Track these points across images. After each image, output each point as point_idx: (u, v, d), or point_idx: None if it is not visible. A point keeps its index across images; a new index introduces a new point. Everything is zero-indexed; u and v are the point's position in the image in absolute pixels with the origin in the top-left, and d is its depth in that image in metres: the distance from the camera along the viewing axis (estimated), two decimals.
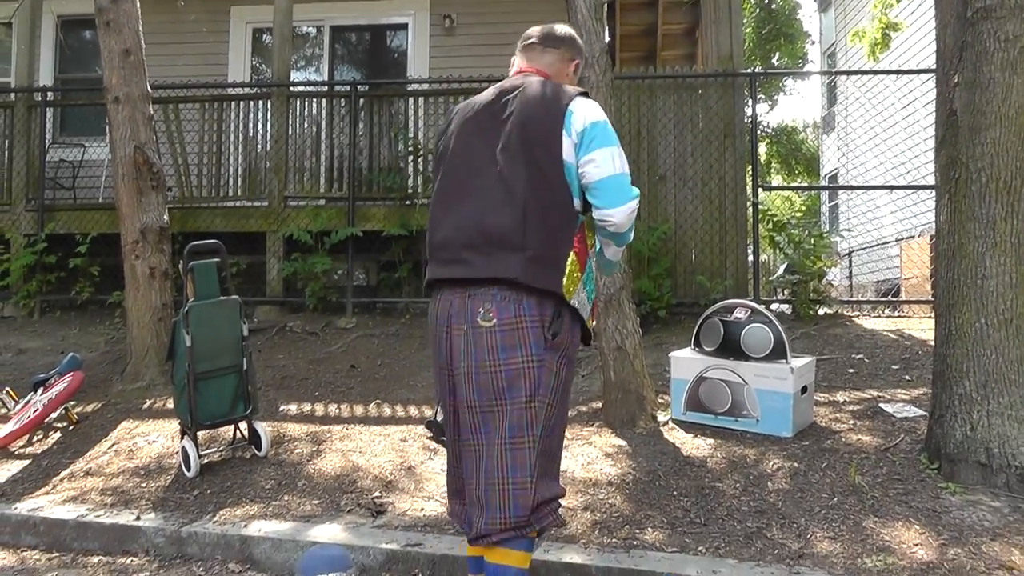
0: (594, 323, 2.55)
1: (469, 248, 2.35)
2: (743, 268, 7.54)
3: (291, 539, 3.56)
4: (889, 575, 2.90)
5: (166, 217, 6.16)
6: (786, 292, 7.67)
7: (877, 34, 10.73)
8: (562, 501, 3.71)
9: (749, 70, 8.19)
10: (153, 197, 6.04)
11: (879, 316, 7.54)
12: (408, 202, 7.91)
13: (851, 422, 4.50)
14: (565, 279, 2.35)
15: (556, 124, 2.36)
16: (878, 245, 13.69)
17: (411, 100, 8.36)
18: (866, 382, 5.27)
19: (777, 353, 4.35)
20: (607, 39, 10.71)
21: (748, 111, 7.88)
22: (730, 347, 4.48)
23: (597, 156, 2.36)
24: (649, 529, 3.37)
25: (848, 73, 16.61)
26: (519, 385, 2.31)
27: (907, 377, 5.35)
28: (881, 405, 4.74)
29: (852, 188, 16.39)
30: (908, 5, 11.56)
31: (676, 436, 4.41)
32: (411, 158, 8.19)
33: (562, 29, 2.75)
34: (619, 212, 2.36)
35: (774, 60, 22.16)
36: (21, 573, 3.56)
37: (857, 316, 7.23)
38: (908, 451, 4.01)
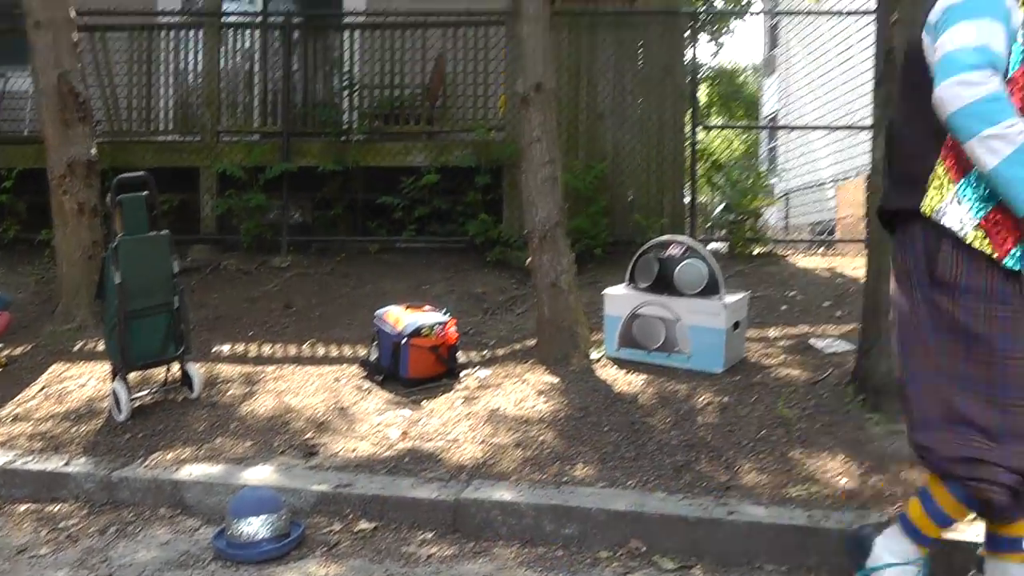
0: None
1: None
2: (680, 207, 7.56)
3: (223, 482, 3.51)
4: (813, 503, 2.96)
5: (94, 150, 5.92)
6: (723, 231, 7.72)
7: None
8: (496, 439, 3.74)
9: (690, 9, 8.09)
10: (80, 129, 5.80)
11: (814, 255, 7.65)
12: (343, 138, 7.72)
13: (782, 357, 4.57)
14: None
15: None
16: (815, 187, 13.87)
17: (347, 33, 8.11)
18: (798, 318, 5.35)
19: (710, 289, 4.36)
20: None
21: (689, 51, 7.83)
22: (664, 283, 4.47)
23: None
24: (580, 465, 3.39)
25: (789, 14, 16.61)
26: None
27: (838, 313, 5.44)
28: (811, 340, 4.82)
29: (789, 128, 16.47)
30: None
31: (609, 373, 4.42)
32: (347, 93, 7.98)
33: None
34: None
35: (717, 2, 22.07)
36: None
37: (792, 255, 7.33)
38: (836, 384, 4.08)
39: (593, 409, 3.95)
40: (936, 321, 2.22)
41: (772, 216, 14.16)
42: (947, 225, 2.16)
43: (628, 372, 4.40)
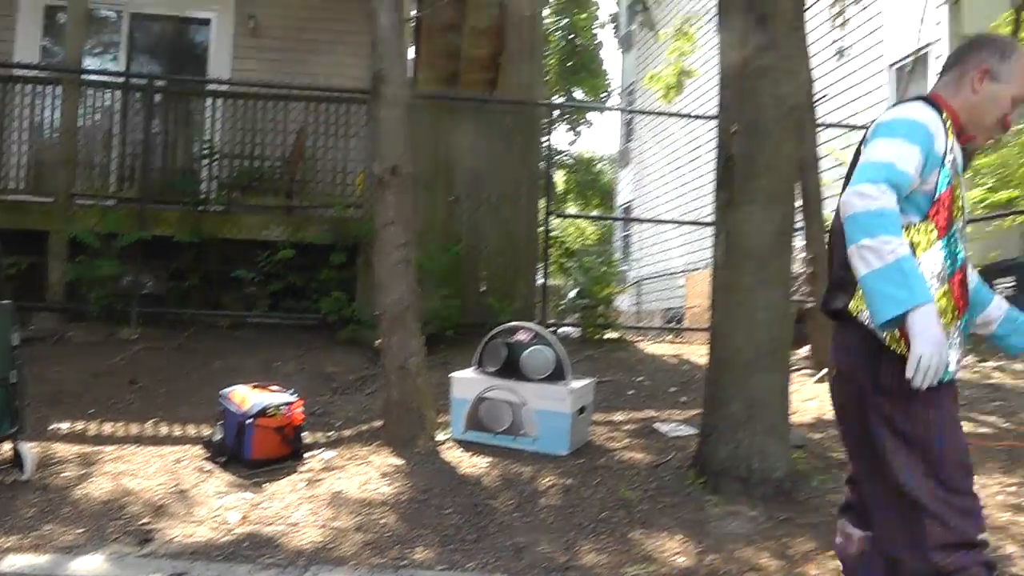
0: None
1: None
2: (533, 291, 7.71)
3: (48, 574, 3.25)
4: None
5: None
6: (575, 316, 7.92)
7: (672, 79, 11.37)
8: (337, 523, 3.65)
9: (547, 101, 8.42)
10: None
11: (662, 342, 7.92)
12: (201, 208, 7.53)
13: (626, 440, 4.67)
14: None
15: None
16: (666, 275, 14.46)
17: (210, 100, 7.99)
18: (644, 403, 5.51)
19: (557, 375, 4.45)
20: (411, 56, 10.71)
21: (546, 139, 8.11)
22: (512, 368, 4.54)
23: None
24: (420, 548, 3.34)
25: (641, 112, 17.49)
26: None
27: (683, 399, 5.63)
28: (656, 425, 4.96)
29: (639, 220, 17.24)
30: (702, 55, 12.33)
31: (454, 455, 4.41)
32: (206, 162, 7.81)
33: (959, 48, 2.54)
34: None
35: (577, 93, 23.07)
36: None
37: (641, 341, 7.58)
38: (678, 467, 4.20)
39: (436, 491, 3.90)
40: (881, 424, 2.27)
41: (625, 302, 14.64)
42: (865, 323, 2.24)
43: (474, 454, 4.39)
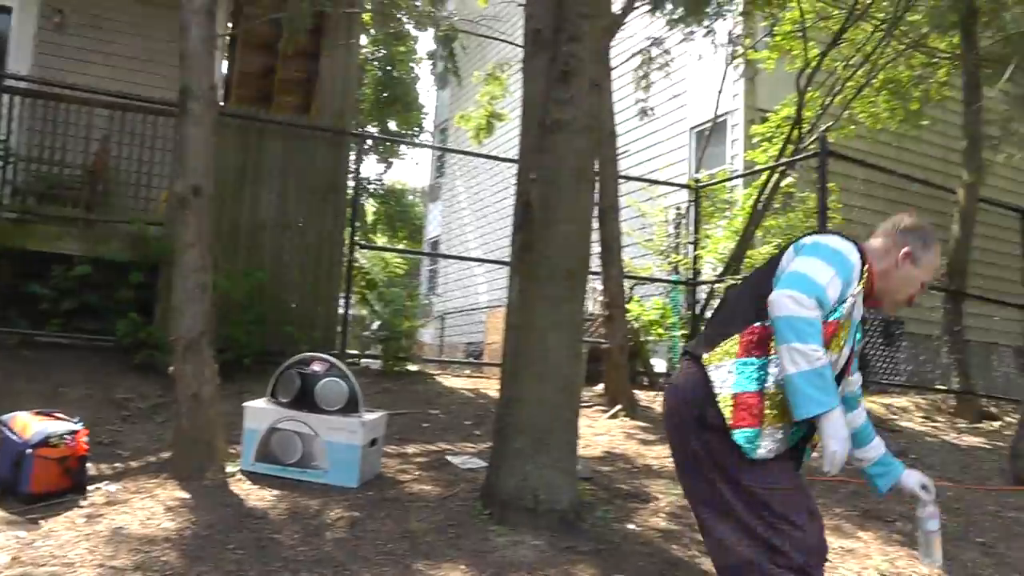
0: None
1: None
2: (334, 321, 7.62)
3: None
4: None
5: None
6: (378, 348, 7.89)
7: (482, 120, 11.65)
8: (115, 562, 3.43)
9: (358, 130, 8.41)
10: None
11: (461, 375, 8.01)
12: None
13: (418, 473, 4.69)
14: None
15: None
16: (469, 310, 14.68)
17: (7, 97, 7.33)
18: (438, 436, 5.55)
19: (351, 407, 4.43)
20: (223, 73, 10.41)
21: (354, 169, 8.08)
22: (305, 399, 4.48)
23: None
24: None
25: (448, 150, 17.76)
26: None
27: (477, 432, 5.72)
28: (448, 457, 5.01)
29: (443, 256, 17.44)
30: (514, 100, 12.74)
31: (243, 488, 4.27)
32: (1, 164, 7.20)
33: (896, 220, 2.79)
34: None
35: (391, 124, 23.13)
36: None
37: (440, 374, 7.63)
38: (466, 499, 4.25)
39: (221, 526, 3.76)
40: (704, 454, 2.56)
41: (428, 335, 14.73)
42: (711, 377, 2.54)
43: (262, 487, 4.28)
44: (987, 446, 7.09)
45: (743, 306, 2.67)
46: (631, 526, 4.15)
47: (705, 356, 2.61)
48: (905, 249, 2.69)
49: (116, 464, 4.67)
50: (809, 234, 2.71)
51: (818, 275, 2.48)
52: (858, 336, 2.77)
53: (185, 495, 4.15)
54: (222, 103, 10.25)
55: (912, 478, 2.95)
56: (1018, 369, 6.85)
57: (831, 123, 10.06)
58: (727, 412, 2.52)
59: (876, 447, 2.94)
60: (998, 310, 10.31)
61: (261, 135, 7.65)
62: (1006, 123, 10.93)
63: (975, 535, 4.61)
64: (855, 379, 2.90)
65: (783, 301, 2.42)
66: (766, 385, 2.53)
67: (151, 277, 6.92)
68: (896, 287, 2.73)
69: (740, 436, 2.52)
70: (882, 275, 2.70)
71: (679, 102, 13.65)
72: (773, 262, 2.72)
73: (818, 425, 2.42)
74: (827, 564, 2.67)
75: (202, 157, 4.77)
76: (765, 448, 2.52)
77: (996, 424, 8.51)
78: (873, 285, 2.69)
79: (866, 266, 2.62)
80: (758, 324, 2.54)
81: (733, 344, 2.60)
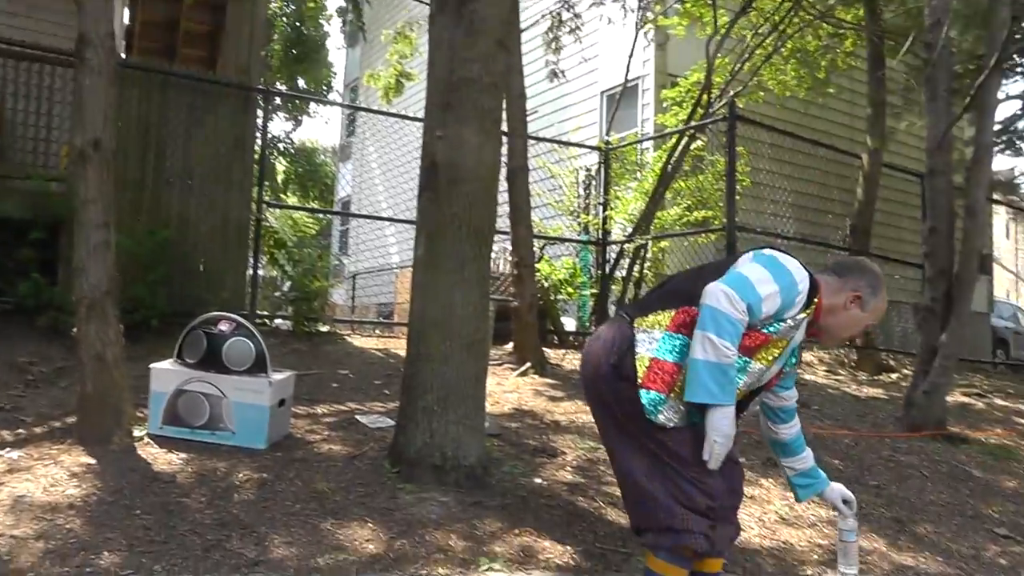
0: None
1: None
2: (242, 281, 7.51)
3: None
4: (339, 570, 3.07)
5: None
6: (289, 309, 7.81)
7: (391, 79, 11.51)
8: (17, 531, 3.34)
9: (264, 86, 8.21)
10: None
11: (370, 336, 8.00)
12: None
13: (327, 433, 4.70)
14: None
15: None
16: (380, 271, 14.60)
17: None
18: (348, 396, 5.56)
19: (258, 367, 4.39)
20: (125, 23, 10.00)
21: (261, 127, 7.91)
22: (213, 360, 4.41)
23: None
24: (106, 553, 3.15)
25: (354, 108, 17.50)
26: None
27: (386, 391, 5.75)
28: (358, 417, 5.03)
29: (352, 215, 17.25)
30: (424, 59, 12.63)
31: (150, 452, 4.21)
32: None
33: (852, 262, 2.96)
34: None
35: (300, 82, 22.63)
36: None
37: (350, 335, 7.61)
38: (375, 458, 4.29)
39: (128, 492, 3.70)
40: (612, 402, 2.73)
41: (341, 296, 14.59)
42: (636, 338, 2.69)
43: (170, 451, 4.22)
44: (884, 397, 7.48)
45: (686, 287, 2.78)
46: (538, 480, 4.26)
47: (637, 319, 2.75)
48: (855, 292, 2.81)
49: (19, 431, 4.52)
50: (773, 248, 2.83)
51: (760, 285, 2.60)
52: (793, 360, 2.92)
53: (91, 461, 4.06)
54: (124, 55, 9.88)
55: (835, 492, 3.17)
56: (916, 325, 7.27)
57: (740, 89, 10.27)
58: (640, 371, 2.65)
59: (805, 459, 3.15)
60: (899, 269, 10.80)
61: (165, 89, 7.40)
62: (907, 93, 11.39)
63: (869, 479, 4.89)
64: (790, 395, 3.09)
65: (717, 294, 2.55)
66: (685, 361, 2.64)
67: (53, 237, 6.67)
68: (841, 325, 2.86)
69: (645, 397, 2.64)
70: (829, 310, 2.82)
71: (590, 66, 13.73)
72: (729, 261, 2.86)
73: (706, 416, 2.56)
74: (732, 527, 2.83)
75: (101, 109, 4.59)
76: (665, 416, 2.64)
77: (894, 376, 8.97)
78: (818, 317, 2.81)
79: (816, 299, 2.74)
80: (695, 308, 2.64)
81: (666, 317, 2.73)
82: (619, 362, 2.70)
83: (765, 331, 2.66)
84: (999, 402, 8.19)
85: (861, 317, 2.84)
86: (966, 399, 8.07)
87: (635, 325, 2.74)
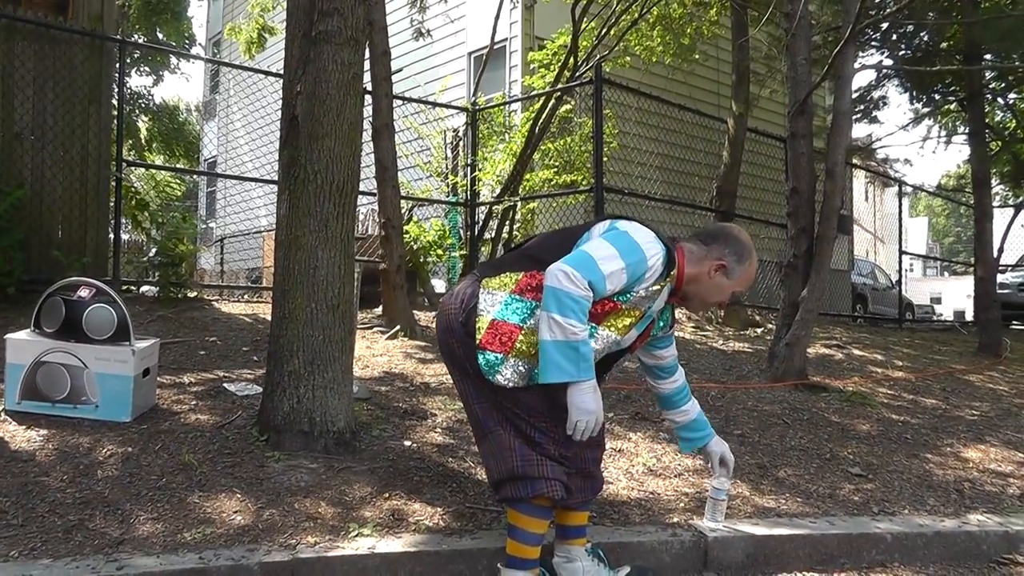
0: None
1: None
2: (105, 245, 7.23)
3: None
4: (207, 544, 3.06)
5: None
6: (155, 274, 7.58)
7: (253, 33, 11.17)
8: None
9: (120, 36, 7.83)
10: None
11: (239, 301, 7.85)
12: None
13: (194, 402, 4.63)
14: None
15: None
16: (249, 234, 14.24)
17: None
18: (216, 363, 5.47)
19: (120, 335, 4.25)
20: None
21: (117, 80, 7.56)
22: (72, 328, 4.23)
23: None
24: None
25: (213, 62, 16.81)
26: None
27: (255, 358, 5.68)
28: (226, 385, 4.97)
29: (216, 175, 16.75)
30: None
31: (7, 429, 4.04)
32: None
33: (718, 229, 3.06)
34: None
35: (160, 35, 21.60)
36: None
37: (218, 300, 7.46)
38: (243, 426, 4.26)
39: None
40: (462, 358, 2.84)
41: (209, 261, 14.17)
42: (480, 298, 2.76)
43: (29, 427, 4.06)
44: (750, 350, 7.89)
45: (539, 251, 2.86)
46: (408, 443, 4.33)
47: (485, 280, 2.83)
48: (719, 261, 2.91)
49: None
50: (627, 219, 2.90)
51: (604, 263, 2.66)
52: (662, 323, 3.04)
53: None
54: None
55: (716, 448, 3.35)
56: (779, 281, 7.75)
57: (606, 53, 10.47)
58: (480, 331, 2.74)
59: (686, 412, 3.31)
60: (763, 229, 11.32)
61: (10, 36, 6.95)
62: (770, 61, 11.87)
63: (734, 428, 5.18)
64: (665, 353, 3.22)
65: (558, 274, 2.61)
66: (528, 323, 2.73)
67: None
68: (706, 292, 2.96)
69: (482, 357, 2.74)
70: (692, 279, 2.91)
71: (457, 26, 13.72)
72: (586, 227, 2.93)
73: (567, 396, 2.65)
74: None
75: None
76: (504, 377, 2.73)
77: (759, 331, 9.45)
78: (680, 286, 2.91)
79: (673, 271, 2.83)
80: (542, 273, 2.72)
81: (513, 279, 2.80)
82: (467, 320, 2.79)
83: (614, 300, 2.76)
84: (857, 352, 8.77)
85: (726, 284, 2.94)
86: (826, 351, 8.60)
87: (483, 285, 2.82)
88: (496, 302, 2.77)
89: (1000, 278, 12.77)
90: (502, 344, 2.73)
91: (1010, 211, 12.62)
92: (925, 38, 11.95)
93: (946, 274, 60.90)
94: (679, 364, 3.37)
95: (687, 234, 3.15)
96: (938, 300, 48.78)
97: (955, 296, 49.87)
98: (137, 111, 25.25)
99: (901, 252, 14.99)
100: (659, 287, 2.84)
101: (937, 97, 12.97)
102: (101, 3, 7.68)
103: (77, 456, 3.79)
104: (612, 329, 2.82)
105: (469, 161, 9.98)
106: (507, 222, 9.91)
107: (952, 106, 13.55)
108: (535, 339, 2.69)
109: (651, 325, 3.02)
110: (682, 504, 3.88)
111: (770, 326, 9.76)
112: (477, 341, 2.74)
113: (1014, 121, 13.92)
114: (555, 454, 2.78)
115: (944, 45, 12.06)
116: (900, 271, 15.19)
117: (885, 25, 11.12)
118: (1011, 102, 13.53)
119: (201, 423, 4.30)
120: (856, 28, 6.60)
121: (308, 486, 3.64)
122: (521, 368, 2.74)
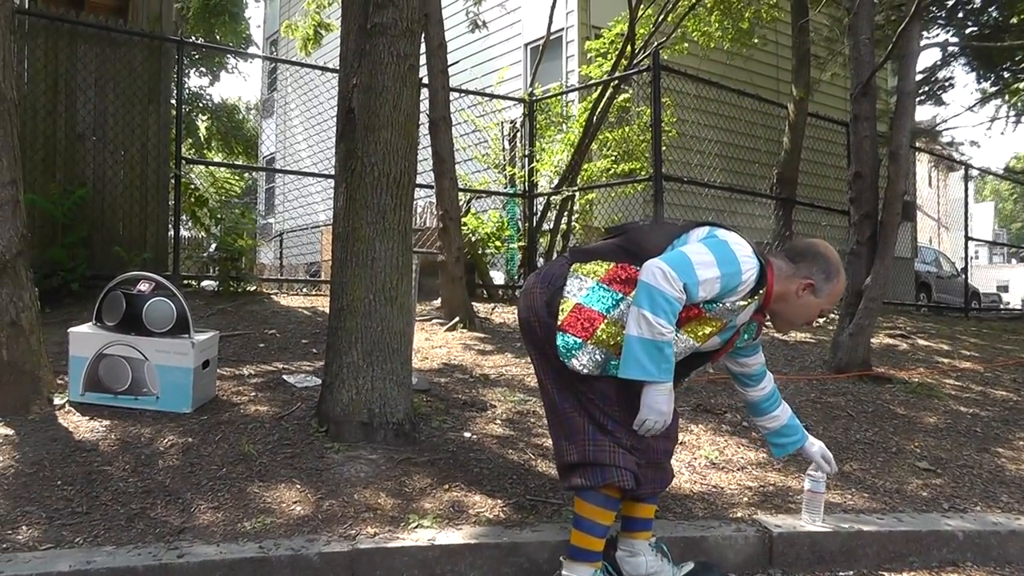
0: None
1: None
2: (164, 241, 7.33)
3: None
4: (266, 534, 3.04)
5: None
6: (216, 269, 7.67)
7: (309, 30, 11.23)
8: None
9: (178, 37, 7.93)
10: None
11: (297, 294, 7.89)
12: None
13: (253, 394, 4.63)
14: None
15: None
16: (307, 229, 14.37)
17: None
18: (275, 356, 5.48)
19: (180, 328, 4.27)
20: None
21: (177, 79, 7.66)
22: (132, 322, 4.27)
23: None
24: (24, 527, 3.07)
25: (270, 59, 16.97)
26: None
27: (314, 350, 5.68)
28: (285, 376, 4.97)
29: (275, 171, 16.93)
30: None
31: (72, 420, 4.10)
32: None
33: (806, 246, 2.93)
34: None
35: (217, 37, 21.95)
36: None
37: (277, 294, 7.50)
38: (302, 418, 4.25)
39: (48, 462, 3.60)
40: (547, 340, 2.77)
41: (268, 255, 14.34)
42: (568, 281, 2.74)
43: (92, 418, 4.11)
44: (812, 341, 7.68)
45: (633, 245, 2.80)
46: (468, 434, 4.28)
47: (576, 264, 2.79)
48: (807, 280, 2.80)
49: None
50: (727, 228, 2.82)
51: (700, 269, 2.58)
52: (746, 335, 2.94)
53: (9, 432, 3.95)
54: (27, 2, 9.44)
55: (814, 448, 3.28)
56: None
57: (664, 40, 10.29)
58: (563, 313, 2.69)
59: (776, 418, 3.21)
60: (824, 216, 11.04)
61: (73, 40, 7.11)
62: (831, 43, 11.56)
63: (799, 419, 5.02)
64: (752, 361, 3.12)
65: (655, 271, 2.54)
66: (611, 313, 2.66)
67: None
68: (793, 311, 2.86)
69: (561, 339, 2.69)
70: (779, 297, 2.81)
71: (513, 18, 13.65)
72: (684, 228, 2.84)
73: (642, 393, 2.61)
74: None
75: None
76: (579, 362, 2.68)
77: (822, 320, 9.20)
78: (767, 303, 2.81)
79: (763, 289, 2.74)
80: (634, 267, 2.66)
81: (603, 268, 2.75)
82: (551, 300, 2.75)
83: (700, 307, 2.68)
84: (922, 343, 8.49)
85: (813, 303, 2.83)
86: (891, 340, 8.34)
87: (572, 270, 2.78)
88: (583, 287, 2.73)
89: None
90: (583, 329, 2.67)
91: None
92: (994, 13, 11.54)
93: (1013, 261, 58.92)
94: (767, 370, 3.25)
95: (768, 243, 3.06)
96: (1005, 288, 46.94)
97: (1023, 284, 48.36)
98: (196, 110, 25.74)
99: (967, 238, 14.50)
100: (746, 303, 2.75)
101: (1006, 75, 12.52)
102: (160, 5, 7.80)
103: (139, 446, 3.81)
104: (691, 336, 2.74)
105: (527, 152, 9.91)
106: (565, 213, 9.82)
107: (1022, 84, 13.05)
108: (615, 330, 2.64)
109: (735, 336, 2.91)
110: (745, 499, 3.77)
111: (833, 316, 9.50)
112: (559, 322, 2.70)
113: None
114: (627, 443, 2.71)
115: (1014, 20, 11.61)
116: (966, 258, 14.71)
117: (951, 1, 10.74)
118: None
119: (261, 414, 4.30)
120: (921, 4, 6.35)
121: (368, 477, 3.60)
122: (598, 356, 2.68)
